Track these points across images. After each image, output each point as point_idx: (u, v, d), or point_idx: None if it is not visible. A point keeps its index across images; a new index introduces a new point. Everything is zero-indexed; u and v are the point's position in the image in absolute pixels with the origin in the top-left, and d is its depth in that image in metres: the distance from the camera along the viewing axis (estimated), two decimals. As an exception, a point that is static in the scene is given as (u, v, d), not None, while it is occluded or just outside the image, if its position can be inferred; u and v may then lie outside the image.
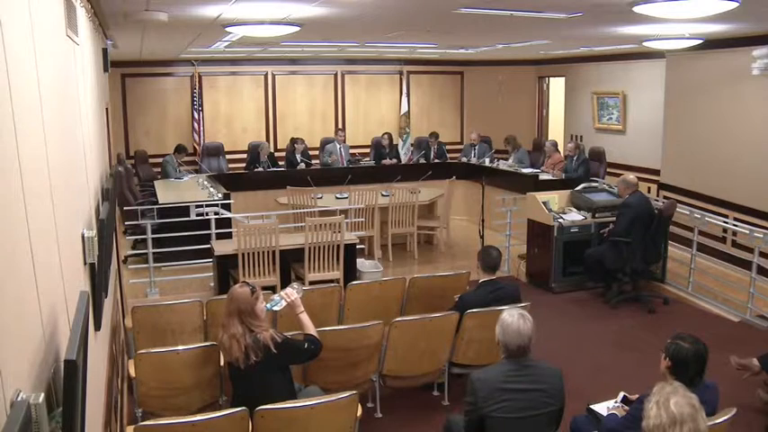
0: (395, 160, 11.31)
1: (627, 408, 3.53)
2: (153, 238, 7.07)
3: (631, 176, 7.10)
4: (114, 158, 8.65)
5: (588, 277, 7.29)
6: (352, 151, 11.24)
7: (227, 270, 6.49)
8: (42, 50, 1.99)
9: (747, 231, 6.67)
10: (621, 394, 3.72)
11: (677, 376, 3.19)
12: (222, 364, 3.90)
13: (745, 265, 6.92)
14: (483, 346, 4.70)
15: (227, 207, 7.80)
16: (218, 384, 4.10)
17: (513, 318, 3.23)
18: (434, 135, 11.49)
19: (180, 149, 10.43)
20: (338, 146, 10.82)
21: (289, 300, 3.96)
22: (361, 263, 7.15)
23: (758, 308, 6.47)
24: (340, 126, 12.01)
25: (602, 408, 3.75)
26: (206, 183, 9.11)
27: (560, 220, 7.35)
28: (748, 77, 7.54)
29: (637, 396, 3.44)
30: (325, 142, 11.75)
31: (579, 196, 7.68)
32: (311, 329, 3.90)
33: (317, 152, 11.59)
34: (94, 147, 4.07)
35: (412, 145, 12.16)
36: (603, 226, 7.19)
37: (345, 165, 10.68)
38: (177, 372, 3.94)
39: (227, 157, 11.38)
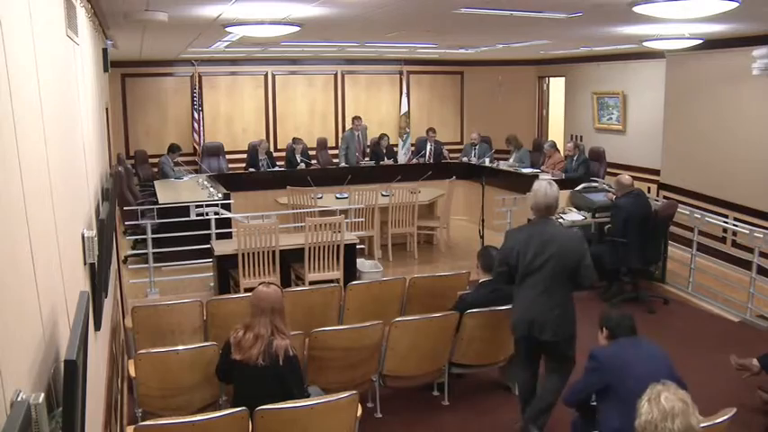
0: (391, 161, 11.30)
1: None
2: (153, 238, 7.06)
3: (626, 177, 7.04)
4: (114, 158, 8.66)
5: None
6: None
7: (227, 270, 6.49)
8: (42, 50, 1.99)
9: (747, 231, 6.67)
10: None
11: (617, 338, 3.53)
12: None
13: (746, 265, 6.92)
14: (483, 346, 4.70)
15: (227, 207, 7.80)
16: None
17: (541, 184, 4.05)
18: (432, 130, 11.48)
19: (173, 149, 10.38)
20: (356, 134, 10.70)
21: None
22: (361, 263, 7.14)
23: (758, 308, 6.47)
24: (358, 115, 11.54)
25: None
26: (206, 183, 9.11)
27: (560, 220, 7.34)
28: (748, 77, 7.54)
29: None
30: (322, 142, 11.75)
31: (579, 196, 7.67)
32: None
33: (316, 152, 11.60)
34: (94, 147, 4.07)
35: (412, 145, 12.16)
36: (604, 225, 7.19)
37: (363, 151, 10.59)
38: (177, 372, 3.94)
39: (227, 157, 11.36)
